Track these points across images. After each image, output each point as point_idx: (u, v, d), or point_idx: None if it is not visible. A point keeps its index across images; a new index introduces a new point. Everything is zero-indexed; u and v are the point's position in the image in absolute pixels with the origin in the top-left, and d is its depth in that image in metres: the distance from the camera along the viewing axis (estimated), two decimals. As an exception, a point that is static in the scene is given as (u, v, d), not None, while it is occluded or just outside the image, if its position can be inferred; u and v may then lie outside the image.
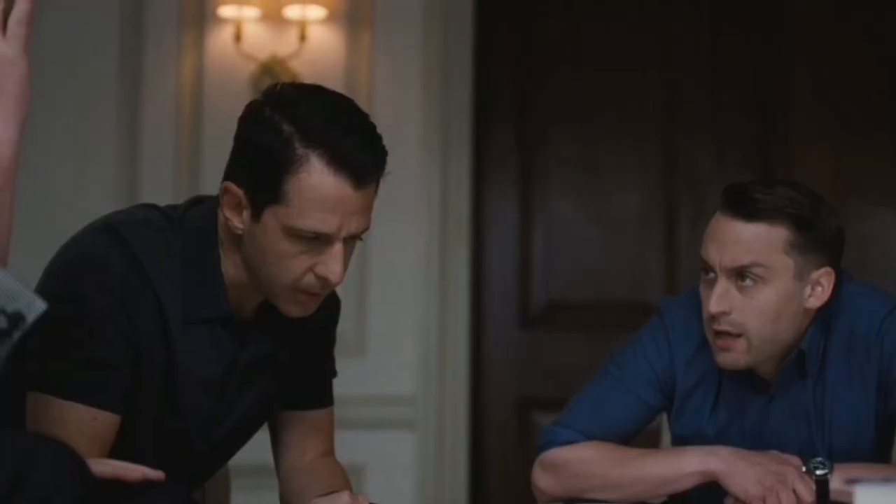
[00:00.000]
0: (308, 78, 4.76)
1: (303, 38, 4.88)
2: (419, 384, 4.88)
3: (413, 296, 4.90)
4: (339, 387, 4.85)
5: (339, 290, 4.87)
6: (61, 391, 2.22)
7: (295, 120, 2.22)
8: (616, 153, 5.06)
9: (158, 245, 2.30)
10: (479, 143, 5.03)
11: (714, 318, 2.60)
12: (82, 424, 2.22)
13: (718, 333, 2.62)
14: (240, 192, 2.25)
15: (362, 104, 4.86)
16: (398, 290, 4.90)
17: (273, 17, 4.89)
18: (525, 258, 5.06)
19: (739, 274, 2.58)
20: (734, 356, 2.62)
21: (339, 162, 2.21)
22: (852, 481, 2.45)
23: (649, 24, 5.08)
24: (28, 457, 1.72)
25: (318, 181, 2.21)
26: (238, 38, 4.88)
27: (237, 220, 2.27)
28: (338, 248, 2.25)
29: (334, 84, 4.72)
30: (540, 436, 2.79)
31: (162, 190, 4.71)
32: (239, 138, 2.29)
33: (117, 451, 2.26)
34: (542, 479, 2.75)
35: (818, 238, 2.61)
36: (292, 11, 4.87)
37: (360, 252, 4.84)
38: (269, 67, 4.86)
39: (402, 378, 4.89)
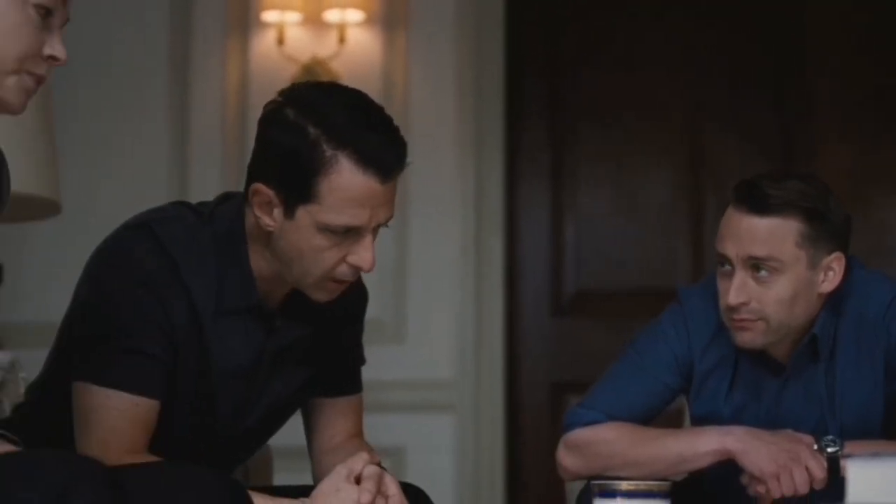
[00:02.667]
0: (347, 78, 4.80)
1: (342, 40, 4.91)
2: (457, 369, 4.90)
3: (450, 286, 4.92)
4: (381, 372, 4.92)
5: (381, 282, 4.92)
6: (104, 380, 2.25)
7: (319, 121, 2.24)
8: (643, 149, 5.06)
9: (189, 241, 2.33)
10: (511, 141, 5.04)
11: (733, 308, 2.61)
12: (125, 411, 2.25)
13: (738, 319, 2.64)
14: (270, 192, 2.27)
15: (399, 103, 4.96)
16: (436, 280, 4.93)
17: (313, 20, 4.91)
18: (556, 249, 5.07)
19: (755, 266, 2.59)
20: (752, 335, 2.63)
21: (367, 160, 2.23)
22: (845, 456, 2.48)
23: (673, 25, 5.08)
24: (68, 478, 1.74)
25: (348, 180, 2.23)
26: (281, 41, 4.92)
27: (268, 219, 2.28)
28: (368, 238, 2.28)
29: (372, 83, 4.82)
30: (564, 417, 2.82)
31: (210, 188, 4.74)
32: (263, 140, 2.31)
33: (157, 435, 2.30)
34: (567, 459, 2.77)
35: (828, 228, 2.62)
36: (332, 15, 4.90)
37: (400, 244, 4.89)
38: (311, 68, 4.89)
39: (441, 363, 4.91)
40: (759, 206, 2.59)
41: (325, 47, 4.93)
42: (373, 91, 5.02)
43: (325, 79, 4.74)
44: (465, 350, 4.90)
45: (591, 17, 5.11)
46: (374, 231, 2.29)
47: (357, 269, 2.31)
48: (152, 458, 2.25)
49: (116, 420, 2.24)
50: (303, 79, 4.76)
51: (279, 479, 2.89)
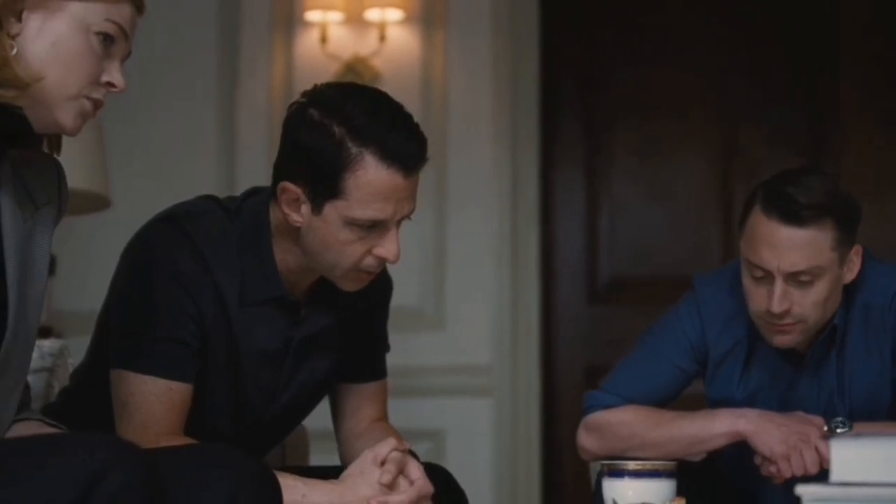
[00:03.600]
0: (387, 75, 4.87)
1: (382, 38, 4.94)
2: (494, 355, 4.92)
3: (488, 274, 4.95)
4: (422, 358, 4.93)
5: (421, 271, 4.94)
6: (140, 367, 2.31)
7: (343, 120, 2.28)
8: (675, 141, 5.08)
9: (216, 234, 2.38)
10: (546, 134, 5.06)
11: (775, 315, 2.61)
12: (160, 395, 2.31)
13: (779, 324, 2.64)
14: (298, 190, 2.31)
15: (437, 98, 4.99)
16: (475, 269, 4.95)
17: (355, 19, 4.95)
18: (591, 238, 5.10)
19: (795, 274, 2.60)
20: (791, 337, 2.65)
21: (391, 157, 2.27)
22: (829, 436, 2.51)
23: (705, 21, 5.09)
24: (104, 459, 1.75)
25: (373, 176, 2.27)
26: (323, 39, 4.96)
27: (297, 216, 2.33)
28: (393, 231, 2.32)
29: (412, 80, 4.87)
30: (584, 400, 2.86)
31: (256, 183, 4.78)
32: (289, 141, 2.35)
33: (194, 420, 2.36)
34: (587, 440, 2.82)
35: (852, 226, 2.64)
36: (372, 14, 4.94)
37: (439, 235, 4.93)
38: (352, 66, 4.93)
39: (479, 349, 4.94)
40: (795, 218, 2.57)
41: (366, 46, 4.97)
42: (412, 87, 5.07)
43: (366, 76, 4.82)
44: (502, 336, 4.94)
45: (624, 13, 5.14)
46: (398, 224, 2.34)
47: (383, 261, 2.36)
48: (188, 441, 2.30)
49: (153, 405, 2.30)
50: (345, 76, 4.82)
51: (315, 461, 2.93)
